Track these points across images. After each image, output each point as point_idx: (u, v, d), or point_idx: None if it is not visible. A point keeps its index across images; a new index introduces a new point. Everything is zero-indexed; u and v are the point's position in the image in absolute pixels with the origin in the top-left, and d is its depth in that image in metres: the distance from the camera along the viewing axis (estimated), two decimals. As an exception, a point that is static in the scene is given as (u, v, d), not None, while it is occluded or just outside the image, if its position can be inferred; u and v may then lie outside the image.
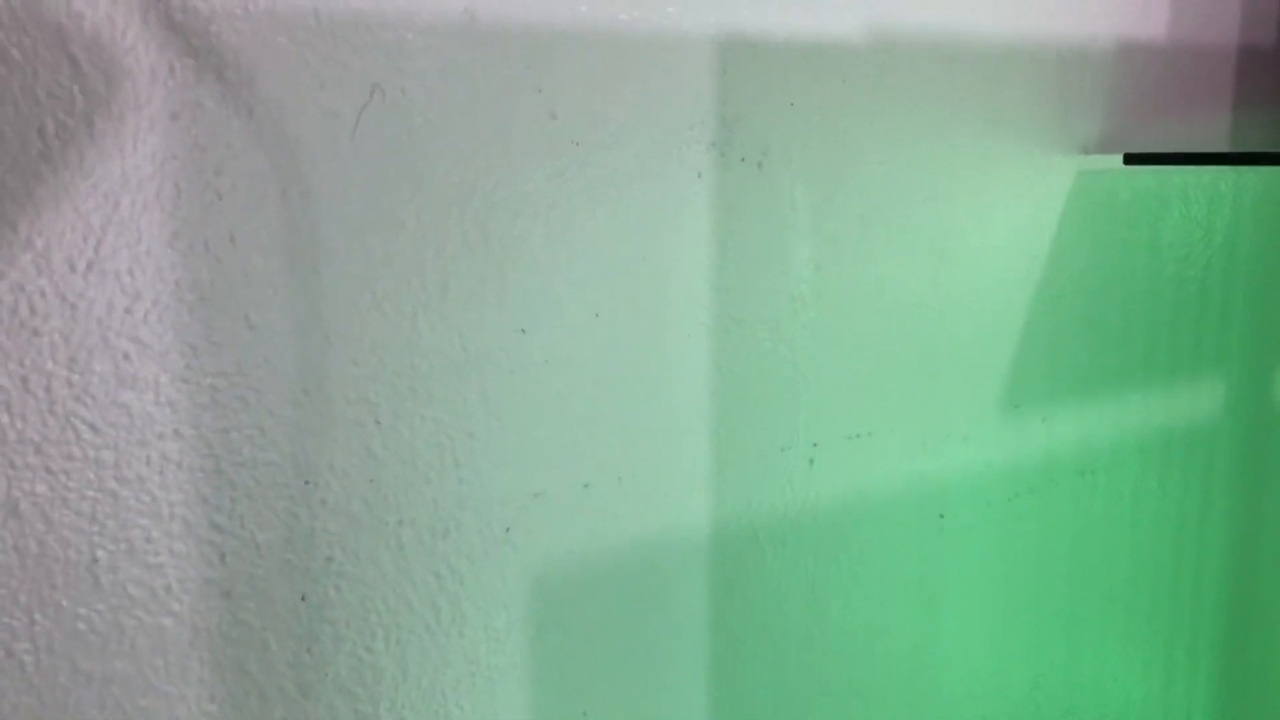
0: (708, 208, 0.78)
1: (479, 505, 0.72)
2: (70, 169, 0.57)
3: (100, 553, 0.61)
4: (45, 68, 0.56)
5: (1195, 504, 1.14)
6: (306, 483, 0.66)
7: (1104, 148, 0.97)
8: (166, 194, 0.60)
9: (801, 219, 0.83)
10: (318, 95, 0.63)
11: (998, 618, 1.02)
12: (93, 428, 0.60)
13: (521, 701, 0.76)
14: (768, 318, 0.82)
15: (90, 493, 0.60)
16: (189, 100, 0.59)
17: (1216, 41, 1.04)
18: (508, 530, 0.73)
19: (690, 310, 0.79)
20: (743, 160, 0.79)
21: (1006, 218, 0.93)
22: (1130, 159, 0.94)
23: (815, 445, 0.87)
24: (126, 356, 0.60)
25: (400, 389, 0.68)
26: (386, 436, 0.68)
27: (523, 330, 0.72)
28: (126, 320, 0.60)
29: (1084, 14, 0.94)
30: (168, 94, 0.59)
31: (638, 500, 0.78)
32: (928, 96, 0.87)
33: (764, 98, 0.79)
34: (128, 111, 0.58)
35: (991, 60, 0.90)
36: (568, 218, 0.72)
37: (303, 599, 0.67)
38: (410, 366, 0.68)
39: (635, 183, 0.74)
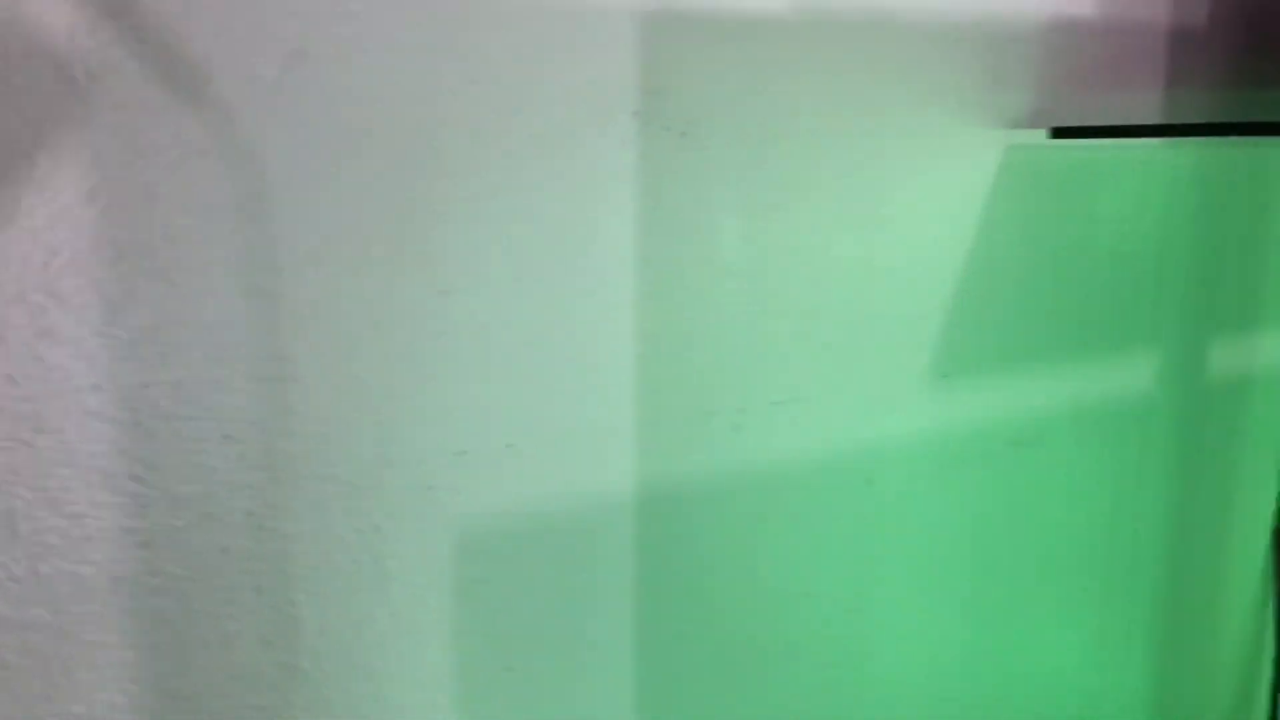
0: (632, 176, 0.79)
1: (401, 463, 0.74)
2: (-16, 124, 0.58)
3: (18, 502, 0.62)
4: (-42, 24, 0.57)
5: (1131, 475, 1.16)
6: (226, 437, 0.68)
7: (1036, 122, 0.99)
8: (84, 151, 0.61)
9: (728, 188, 0.84)
10: (241, 57, 0.64)
11: (931, 583, 1.04)
12: (10, 379, 0.61)
13: (445, 656, 0.78)
14: (693, 284, 0.84)
15: (8, 443, 0.62)
16: (108, 60, 0.61)
17: (1148, 20, 1.06)
18: (430, 488, 0.75)
19: (615, 275, 0.80)
20: (667, 130, 0.80)
21: (937, 189, 0.95)
22: (1057, 132, 0.96)
23: (742, 411, 0.89)
24: (43, 309, 0.61)
25: (321, 347, 0.70)
26: (307, 393, 0.70)
27: (445, 292, 0.73)
28: (43, 274, 0.61)
29: (1014, -10, 0.96)
30: (86, 54, 0.60)
31: (561, 461, 0.80)
32: (856, 70, 0.89)
33: (688, 69, 0.80)
34: (45, 69, 0.59)
35: (921, 34, 0.92)
36: (490, 183, 0.74)
37: (223, 551, 0.69)
38: (331, 325, 0.70)
39: (557, 150, 0.76)
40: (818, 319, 0.91)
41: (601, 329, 0.80)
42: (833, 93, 0.88)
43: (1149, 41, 1.07)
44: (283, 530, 0.70)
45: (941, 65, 0.93)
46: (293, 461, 0.70)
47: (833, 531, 0.97)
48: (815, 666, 0.98)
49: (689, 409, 0.86)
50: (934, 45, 0.92)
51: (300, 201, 0.67)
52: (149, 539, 0.67)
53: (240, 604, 0.70)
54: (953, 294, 0.98)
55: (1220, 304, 1.17)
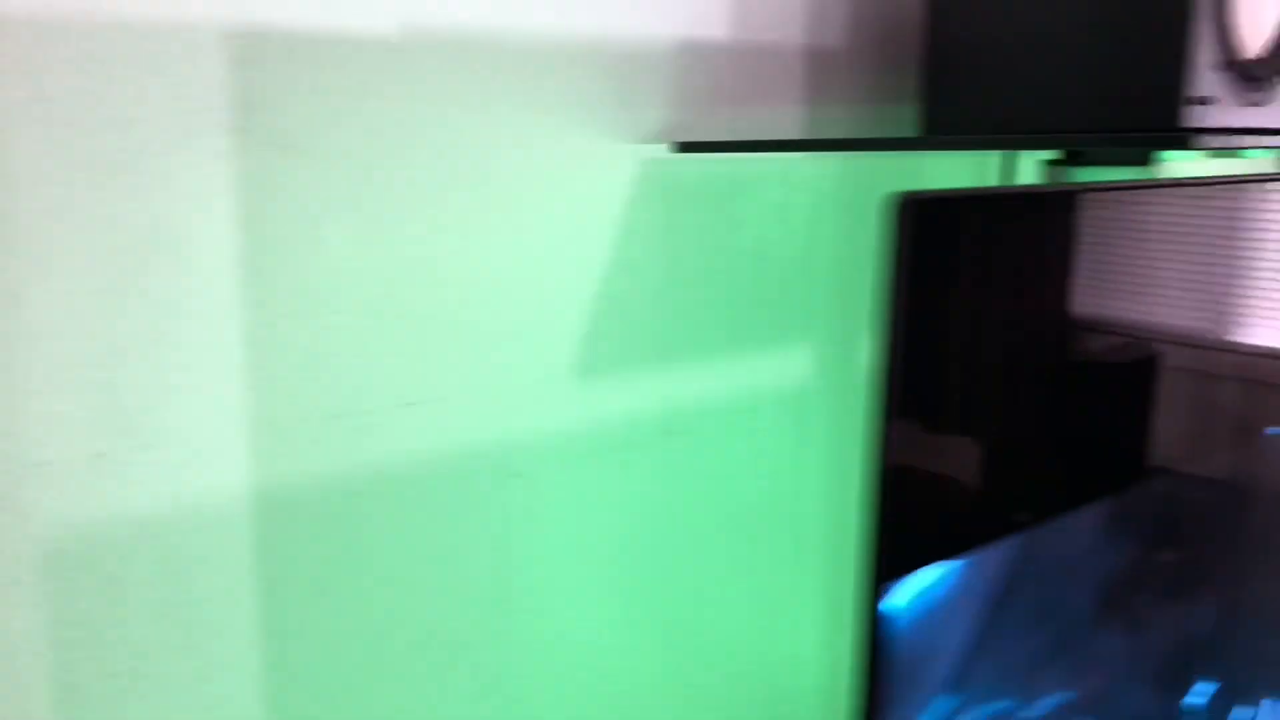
0: (231, 189, 0.81)
1: (-26, 475, 0.74)
2: None
3: None
4: None
5: (788, 458, 1.26)
6: None
7: (670, 137, 1.06)
8: None
9: (342, 201, 0.87)
10: None
11: (592, 569, 1.10)
12: None
13: (41, 671, 0.78)
14: (310, 294, 0.87)
15: None
16: None
17: (785, 41, 1.14)
18: (7, 500, 0.76)
19: (217, 286, 0.82)
20: (269, 145, 0.82)
21: (570, 200, 1.00)
22: (683, 147, 1.03)
23: (369, 413, 0.92)
24: None
25: (-125, 362, 0.69)
26: None
27: (16, 299, 0.74)
28: None
29: (645, 12, 1.02)
30: None
31: (161, 468, 0.82)
32: (478, 88, 0.93)
33: (290, 86, 0.83)
34: None
35: (547, 53, 0.96)
36: (65, 195, 0.74)
37: None
38: (-115, 340, 0.69)
39: (141, 164, 0.77)
40: (448, 323, 0.95)
41: (201, 338, 0.82)
42: (451, 110, 0.92)
43: (787, 61, 1.15)
44: None
45: (569, 83, 0.98)
46: None
47: (481, 526, 1.01)
48: (470, 660, 1.03)
49: (309, 414, 0.89)
50: (561, 64, 0.97)
51: None
52: None
53: None
54: (594, 297, 1.04)
55: (864, 299, 1.28)
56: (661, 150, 1.05)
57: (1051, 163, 1.01)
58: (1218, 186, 0.69)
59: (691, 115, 1.07)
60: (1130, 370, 0.60)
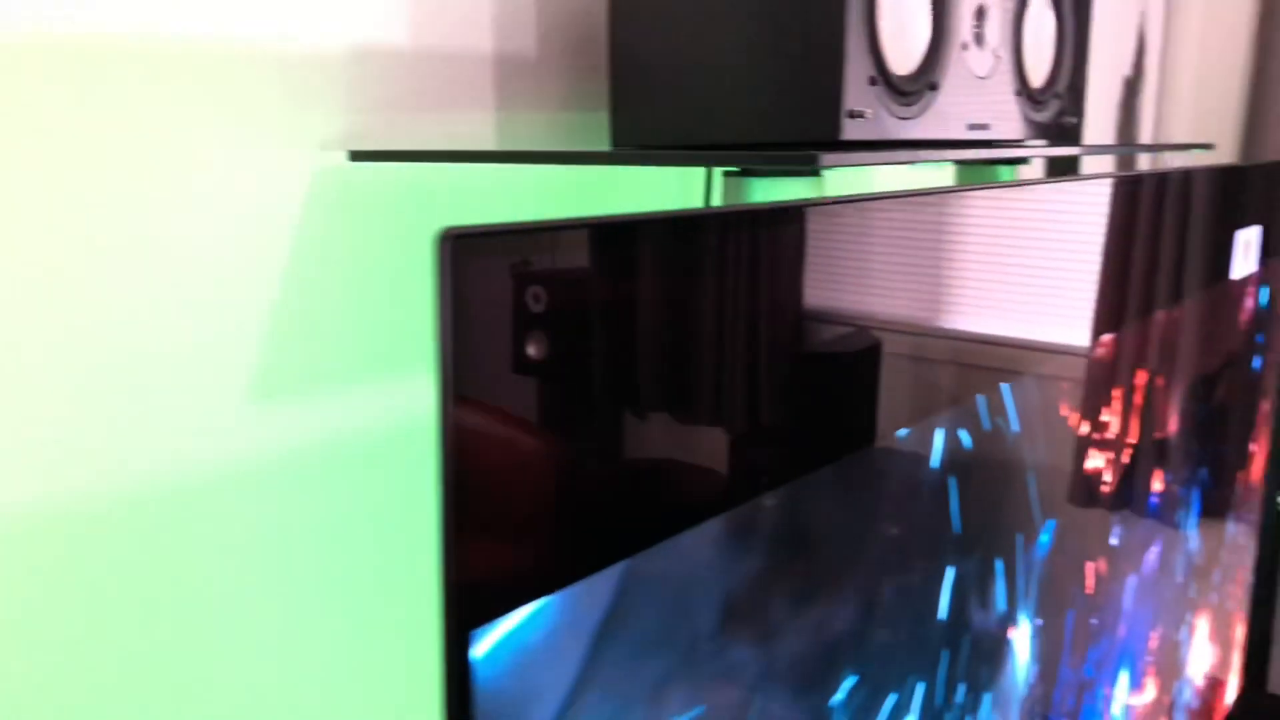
0: None
1: None
2: None
3: None
4: None
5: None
6: None
7: (346, 145, 1.01)
8: None
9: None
10: None
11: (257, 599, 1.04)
12: None
13: None
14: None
15: None
16: None
17: (474, 48, 1.12)
18: None
19: None
20: None
21: (235, 214, 0.94)
22: (358, 156, 0.99)
23: (22, 445, 0.84)
24: None
25: None
26: None
27: None
28: None
29: (319, 15, 0.97)
30: None
31: None
32: (128, 96, 0.86)
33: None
34: None
35: (205, 56, 0.90)
36: None
37: None
38: None
39: None
40: (107, 349, 0.88)
41: None
42: (101, 117, 0.84)
43: (476, 67, 1.13)
44: None
45: (232, 88, 0.92)
46: None
47: (152, 565, 0.94)
48: (167, 679, 0.96)
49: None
50: (225, 68, 0.91)
51: None
52: None
53: None
54: (266, 314, 0.99)
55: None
56: (340, 158, 1.01)
57: (726, 174, 1.04)
58: (884, 200, 0.72)
59: (373, 122, 1.03)
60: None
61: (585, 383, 0.50)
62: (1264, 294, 1.79)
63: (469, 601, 0.46)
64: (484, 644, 0.48)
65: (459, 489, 0.44)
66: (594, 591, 0.53)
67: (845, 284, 0.72)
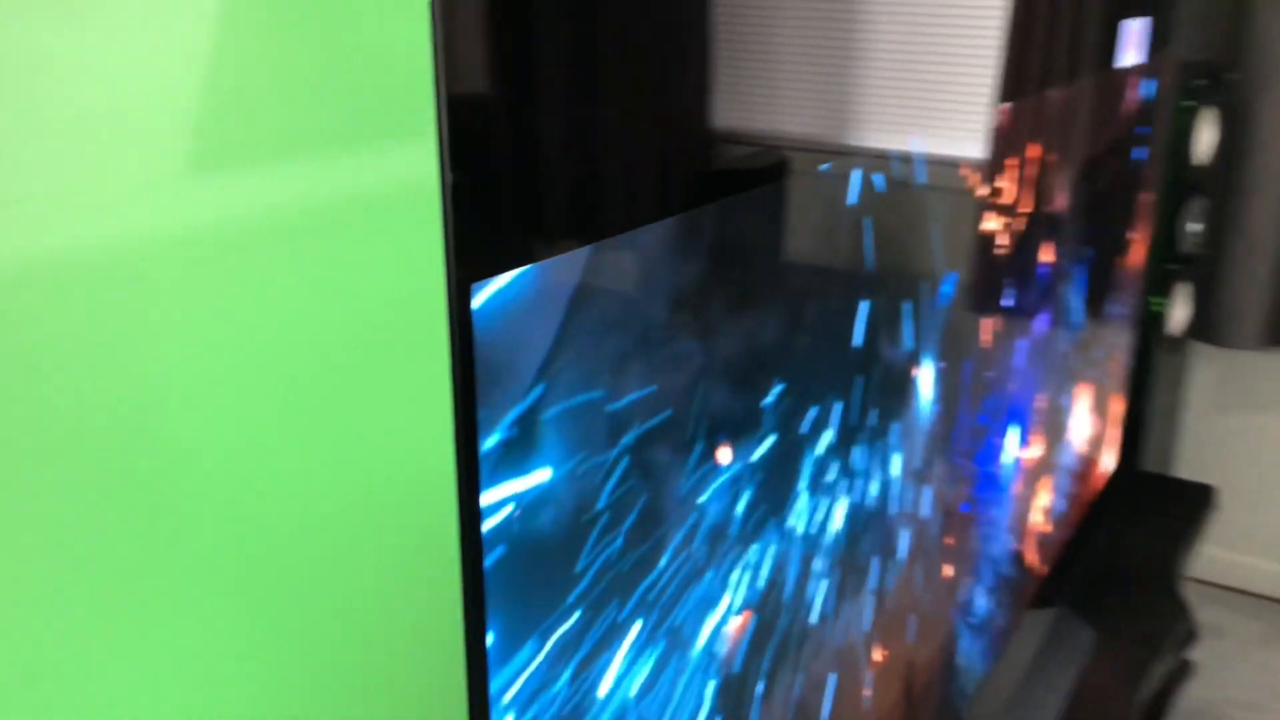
0: None
1: None
2: None
3: None
4: None
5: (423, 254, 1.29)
6: None
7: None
8: None
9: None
10: None
11: (231, 373, 1.10)
12: None
13: None
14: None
15: None
16: None
17: None
18: None
19: None
20: None
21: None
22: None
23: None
24: None
25: None
26: None
27: None
28: None
29: None
30: None
31: None
32: None
33: None
34: None
35: None
36: None
37: None
38: None
39: None
40: (30, 115, 0.90)
41: None
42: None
43: None
44: None
45: None
46: None
47: (103, 330, 0.99)
48: (109, 466, 1.02)
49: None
50: None
51: None
52: None
53: None
54: (201, 79, 1.01)
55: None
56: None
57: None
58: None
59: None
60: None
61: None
62: (1150, 87, 1.91)
63: (469, 259, 0.53)
64: (481, 297, 0.56)
65: (458, 153, 0.51)
66: (570, 267, 0.60)
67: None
